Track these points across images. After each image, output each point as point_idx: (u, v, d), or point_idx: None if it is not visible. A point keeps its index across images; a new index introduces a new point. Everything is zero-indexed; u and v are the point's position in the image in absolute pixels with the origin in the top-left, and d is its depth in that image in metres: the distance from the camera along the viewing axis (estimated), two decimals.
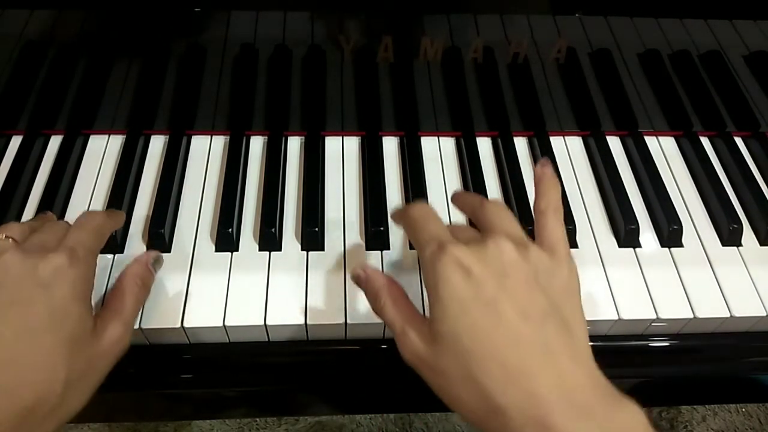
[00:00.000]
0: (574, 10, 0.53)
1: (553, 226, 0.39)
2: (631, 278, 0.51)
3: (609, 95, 0.60)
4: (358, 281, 0.42)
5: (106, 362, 0.39)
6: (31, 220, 0.48)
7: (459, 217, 0.55)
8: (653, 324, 0.50)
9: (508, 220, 0.40)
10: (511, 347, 0.33)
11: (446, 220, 0.54)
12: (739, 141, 0.64)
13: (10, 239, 0.40)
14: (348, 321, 0.47)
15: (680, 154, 0.63)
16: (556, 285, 0.36)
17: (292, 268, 0.50)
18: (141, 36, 0.53)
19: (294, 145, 0.61)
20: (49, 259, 0.38)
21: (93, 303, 0.41)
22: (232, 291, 0.48)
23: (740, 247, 0.55)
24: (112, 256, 0.50)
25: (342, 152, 0.60)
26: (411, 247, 0.52)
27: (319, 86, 0.57)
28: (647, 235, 0.55)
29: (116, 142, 0.60)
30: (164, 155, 0.58)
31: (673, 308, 0.49)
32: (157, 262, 0.47)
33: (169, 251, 0.51)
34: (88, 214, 0.44)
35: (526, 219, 0.54)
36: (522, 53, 0.55)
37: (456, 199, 0.48)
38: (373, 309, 0.40)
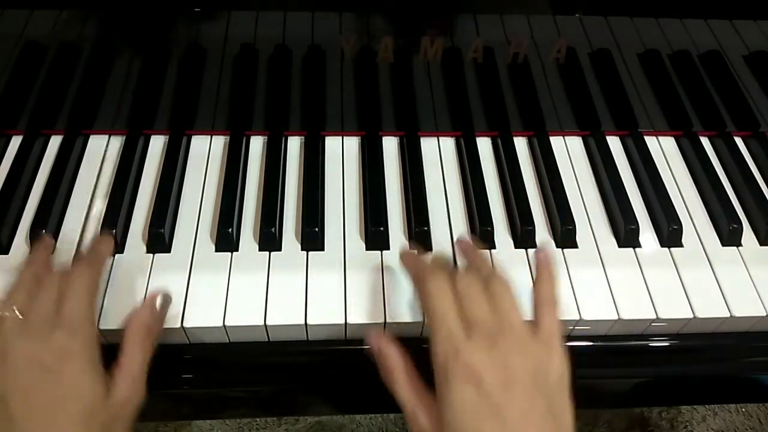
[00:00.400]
0: (574, 10, 0.53)
1: (548, 316, 0.42)
2: (631, 278, 0.51)
3: (609, 95, 0.60)
4: (372, 353, 0.43)
5: (123, 422, 0.40)
6: (31, 254, 0.48)
7: (460, 215, 0.55)
8: (653, 324, 0.50)
9: (510, 304, 0.42)
10: None
11: (447, 227, 0.54)
12: (739, 141, 0.64)
13: (15, 310, 0.40)
14: (348, 321, 0.47)
15: (680, 154, 0.63)
16: (551, 380, 0.39)
17: (292, 268, 0.50)
18: (141, 36, 0.53)
19: (294, 145, 0.61)
20: (51, 341, 0.39)
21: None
22: (232, 291, 0.48)
23: (740, 247, 0.55)
24: (112, 256, 0.50)
25: (342, 152, 0.60)
26: (411, 248, 0.52)
27: (319, 86, 0.57)
28: (647, 235, 0.55)
29: (116, 142, 0.60)
30: (164, 155, 0.58)
31: (673, 308, 0.49)
32: (165, 301, 0.47)
33: (169, 251, 0.51)
34: (75, 275, 0.43)
35: (526, 219, 0.54)
36: (522, 53, 0.55)
37: (461, 246, 0.50)
38: (386, 383, 0.42)
